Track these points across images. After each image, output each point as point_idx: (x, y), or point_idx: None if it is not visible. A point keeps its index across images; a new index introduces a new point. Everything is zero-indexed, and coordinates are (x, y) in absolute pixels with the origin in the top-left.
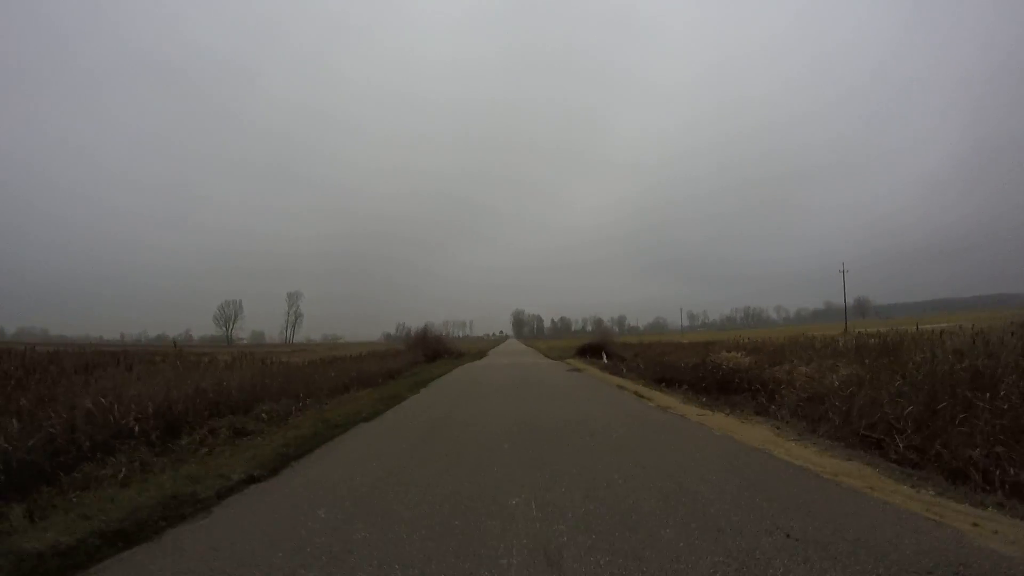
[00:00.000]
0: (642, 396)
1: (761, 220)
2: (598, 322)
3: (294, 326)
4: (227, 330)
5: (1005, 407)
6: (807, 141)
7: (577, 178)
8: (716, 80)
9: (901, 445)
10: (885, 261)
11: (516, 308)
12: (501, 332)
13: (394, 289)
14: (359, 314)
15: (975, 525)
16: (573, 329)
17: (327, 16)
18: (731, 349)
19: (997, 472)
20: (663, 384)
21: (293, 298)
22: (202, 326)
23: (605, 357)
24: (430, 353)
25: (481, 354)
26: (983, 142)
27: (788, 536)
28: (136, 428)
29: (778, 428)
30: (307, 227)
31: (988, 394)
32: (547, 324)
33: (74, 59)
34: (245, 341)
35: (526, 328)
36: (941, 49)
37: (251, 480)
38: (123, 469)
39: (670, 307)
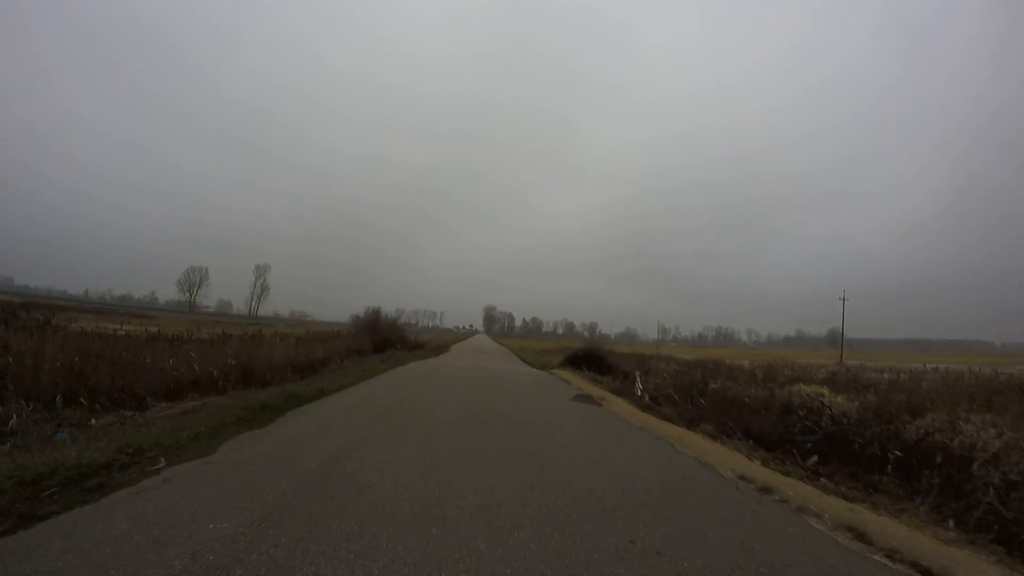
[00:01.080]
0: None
1: (737, 242)
2: (569, 326)
3: (259, 299)
4: (191, 296)
5: None
6: (788, 171)
7: (554, 183)
8: (702, 102)
9: None
10: (857, 296)
11: (488, 303)
12: (471, 326)
13: (366, 275)
14: (329, 296)
15: None
16: (544, 330)
17: None
18: (795, 379)
19: None
20: (728, 435)
21: (261, 271)
22: (169, 291)
23: (609, 376)
24: (379, 341)
25: (443, 348)
26: (964, 191)
27: None
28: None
29: None
30: (281, 206)
31: None
32: (518, 323)
33: (51, 5)
34: (211, 309)
35: (496, 325)
36: (931, 97)
37: None
38: None
39: (641, 317)
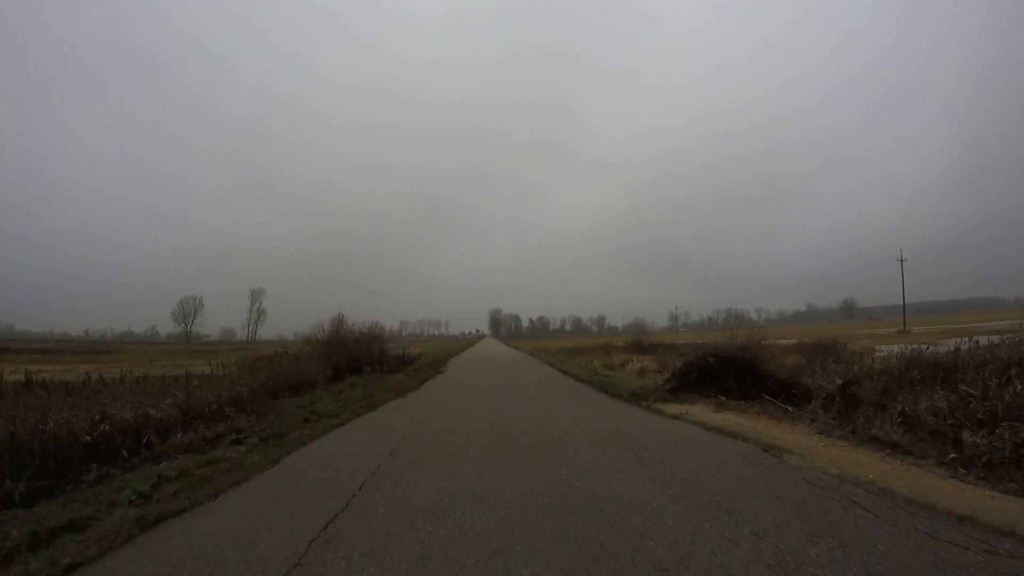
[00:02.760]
0: None
1: (746, 221)
2: (577, 321)
3: (256, 323)
4: (186, 327)
5: None
6: (797, 142)
7: (558, 178)
8: (709, 79)
9: None
10: (869, 264)
11: (493, 307)
12: (477, 331)
13: (369, 289)
14: (333, 313)
15: None
16: (551, 328)
17: (303, 2)
18: None
19: None
20: None
21: (256, 295)
22: (169, 322)
23: (791, 404)
24: (343, 362)
25: (439, 364)
26: (972, 147)
27: None
28: None
29: None
30: (281, 226)
31: None
32: (525, 324)
33: (32, 32)
34: (213, 338)
35: (503, 327)
36: (935, 52)
37: None
38: None
39: (649, 308)
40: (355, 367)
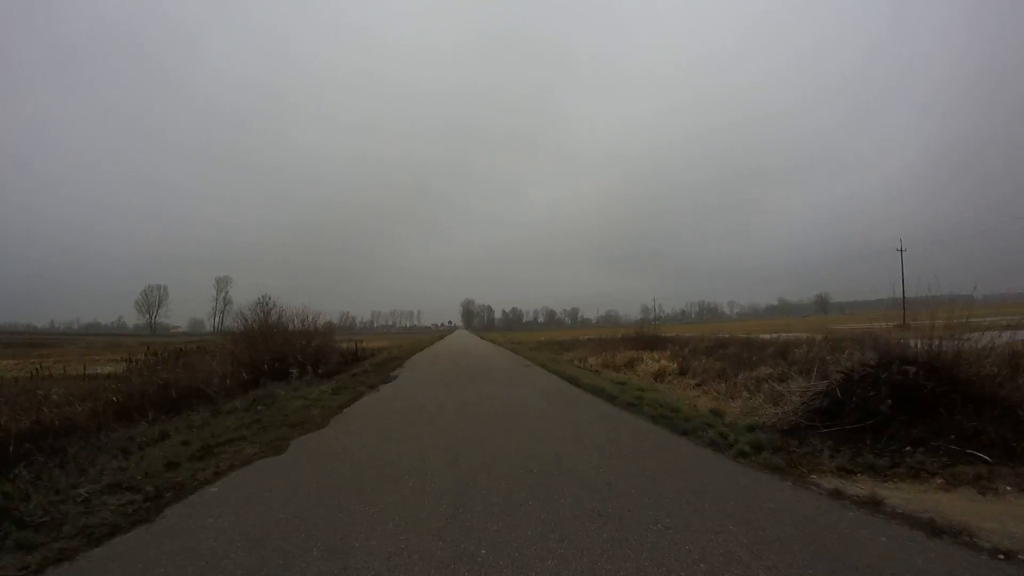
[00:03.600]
0: None
1: (720, 217)
2: (550, 313)
3: (223, 313)
4: (151, 317)
5: None
6: (774, 140)
7: (534, 171)
8: (691, 73)
9: None
10: (840, 261)
11: (465, 298)
12: (450, 323)
13: (343, 279)
14: (308, 304)
15: None
16: (524, 320)
17: None
18: None
19: None
20: None
21: (222, 283)
22: (135, 313)
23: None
24: (268, 362)
25: (393, 364)
26: (955, 145)
27: None
28: None
29: None
30: (255, 214)
31: None
32: (498, 315)
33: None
34: (182, 329)
35: (476, 319)
36: (921, 50)
37: None
38: None
39: (622, 301)
40: (282, 369)
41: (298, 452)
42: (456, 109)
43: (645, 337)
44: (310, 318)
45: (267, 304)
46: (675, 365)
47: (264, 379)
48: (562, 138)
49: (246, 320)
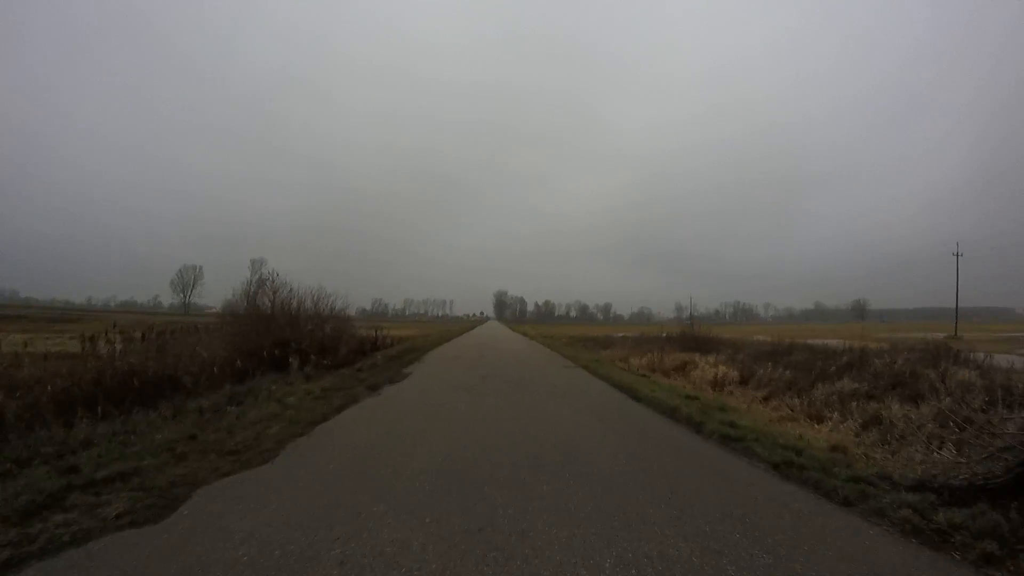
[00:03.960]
0: None
1: (756, 219)
2: (583, 308)
3: (256, 295)
4: (185, 297)
5: None
6: (814, 144)
7: (569, 167)
8: (725, 76)
9: None
10: (884, 269)
11: (498, 289)
12: (482, 313)
13: (373, 266)
14: (342, 289)
15: None
16: (556, 314)
17: None
18: None
19: None
20: None
21: (257, 265)
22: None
23: None
24: (268, 348)
25: (412, 357)
26: (992, 157)
27: None
28: None
29: None
30: (289, 199)
31: None
32: (530, 308)
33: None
34: (216, 309)
35: (508, 311)
36: (955, 62)
37: None
38: None
39: (654, 299)
40: (282, 357)
41: (180, 526)
42: (494, 105)
43: (694, 337)
44: (326, 301)
45: (272, 281)
46: (735, 372)
47: (262, 368)
48: (594, 137)
49: (248, 298)
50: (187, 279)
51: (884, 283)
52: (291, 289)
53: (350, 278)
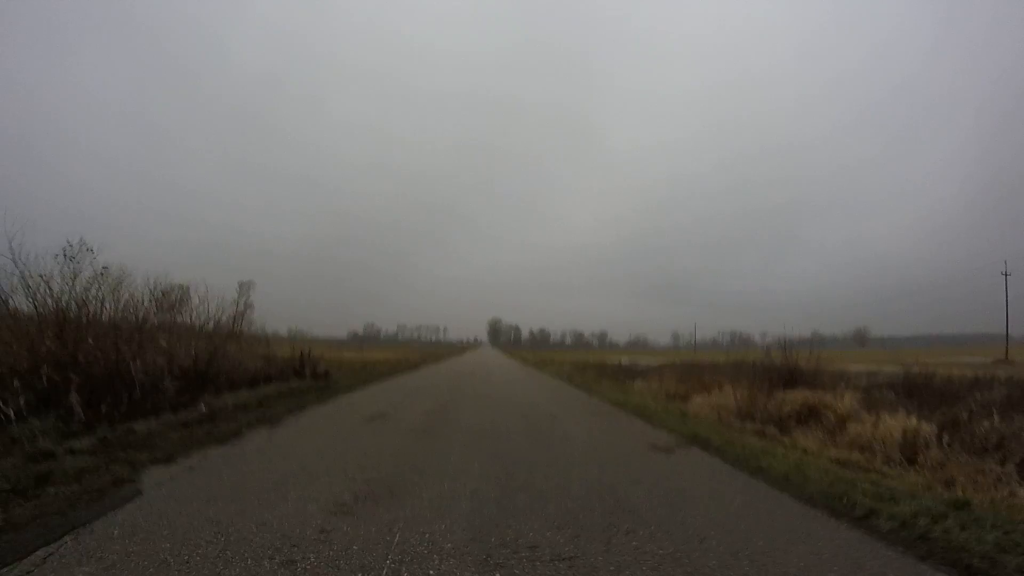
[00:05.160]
0: None
1: (752, 247)
2: (579, 335)
3: (242, 319)
4: (171, 318)
5: None
6: (814, 169)
7: (566, 192)
8: (724, 95)
9: None
10: (883, 296)
11: (493, 315)
12: (476, 339)
13: (366, 292)
14: (332, 314)
15: None
16: (552, 341)
17: None
18: None
19: None
20: None
21: (244, 287)
22: None
23: None
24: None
25: (316, 399)
26: (989, 187)
27: None
28: None
29: None
30: (284, 223)
31: None
32: (525, 334)
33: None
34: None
35: (503, 337)
36: (956, 86)
37: None
38: None
39: (650, 327)
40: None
41: None
42: (483, 123)
43: (789, 369)
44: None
45: (74, 254)
46: (927, 425)
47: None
48: (593, 159)
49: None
50: (172, 299)
51: (884, 310)
52: (116, 275)
53: (345, 305)
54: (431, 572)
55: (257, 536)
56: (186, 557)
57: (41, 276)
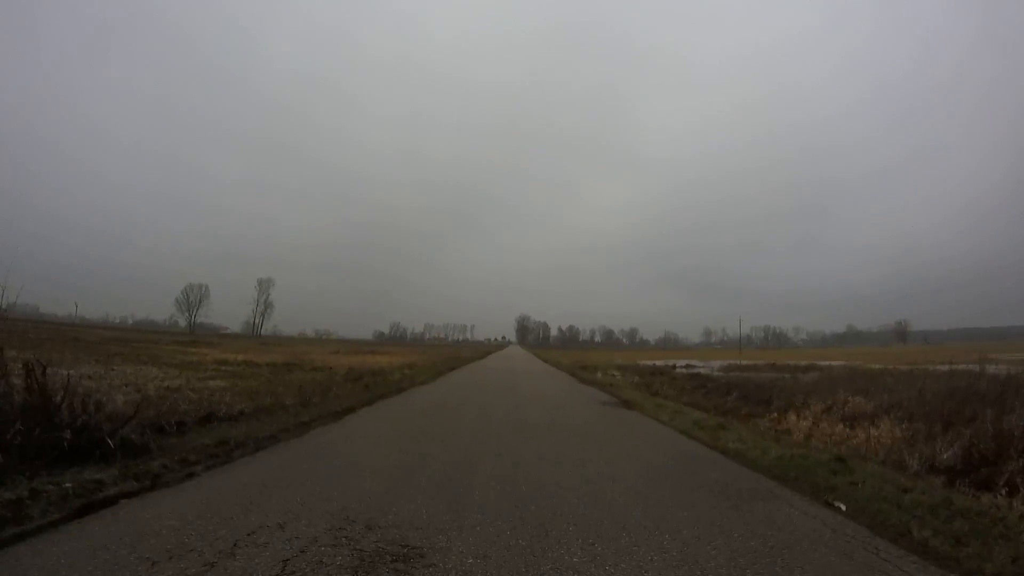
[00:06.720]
0: None
1: (785, 233)
2: (608, 333)
3: (263, 316)
4: (190, 316)
5: None
6: (848, 144)
7: (596, 174)
8: (761, 64)
9: None
10: (920, 290)
11: (521, 313)
12: (503, 338)
13: (392, 286)
14: (359, 312)
15: None
16: (581, 339)
17: None
18: None
19: None
20: None
21: (264, 285)
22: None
23: None
24: None
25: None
26: None
27: None
28: None
29: None
30: (302, 212)
31: None
32: (554, 332)
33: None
34: (232, 330)
35: (531, 335)
36: (1002, 71)
37: None
38: None
39: (680, 321)
40: None
41: None
42: (518, 109)
43: None
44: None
45: None
46: None
47: None
48: (623, 142)
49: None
50: (192, 298)
51: (920, 304)
52: None
53: (371, 303)
54: None
55: None
56: None
57: None
